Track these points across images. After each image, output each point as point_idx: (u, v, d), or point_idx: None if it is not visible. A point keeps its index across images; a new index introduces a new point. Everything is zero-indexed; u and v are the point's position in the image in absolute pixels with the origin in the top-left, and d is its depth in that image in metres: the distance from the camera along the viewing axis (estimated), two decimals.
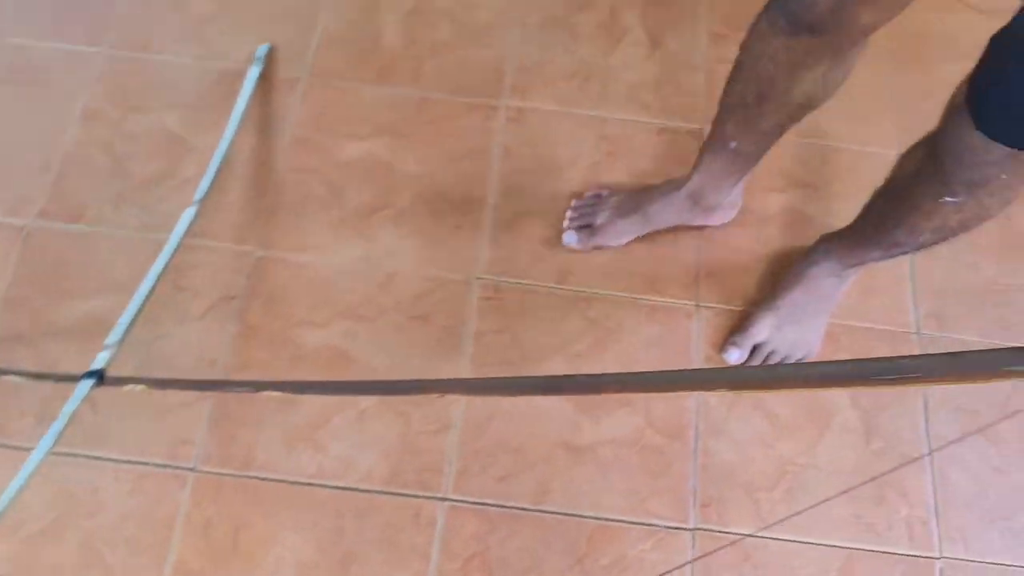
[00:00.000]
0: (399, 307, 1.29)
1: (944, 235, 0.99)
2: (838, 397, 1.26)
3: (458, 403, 1.23)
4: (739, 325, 1.29)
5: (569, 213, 1.36)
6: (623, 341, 1.28)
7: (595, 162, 1.42)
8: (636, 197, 1.34)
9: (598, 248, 1.35)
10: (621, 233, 1.34)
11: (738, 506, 1.19)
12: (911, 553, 1.16)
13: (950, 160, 0.88)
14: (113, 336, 1.10)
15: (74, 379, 1.02)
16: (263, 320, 1.27)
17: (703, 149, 1.22)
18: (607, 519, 1.17)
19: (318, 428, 1.21)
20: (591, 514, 1.17)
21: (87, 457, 1.18)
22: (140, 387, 1.04)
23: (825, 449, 1.22)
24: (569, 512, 1.17)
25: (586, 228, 1.34)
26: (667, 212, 1.32)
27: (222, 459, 1.19)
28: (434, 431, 1.21)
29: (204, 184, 1.31)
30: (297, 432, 1.20)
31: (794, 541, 1.17)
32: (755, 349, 1.27)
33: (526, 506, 1.18)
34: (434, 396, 1.23)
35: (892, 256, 1.10)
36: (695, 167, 1.25)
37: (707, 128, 1.44)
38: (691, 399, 1.25)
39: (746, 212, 1.39)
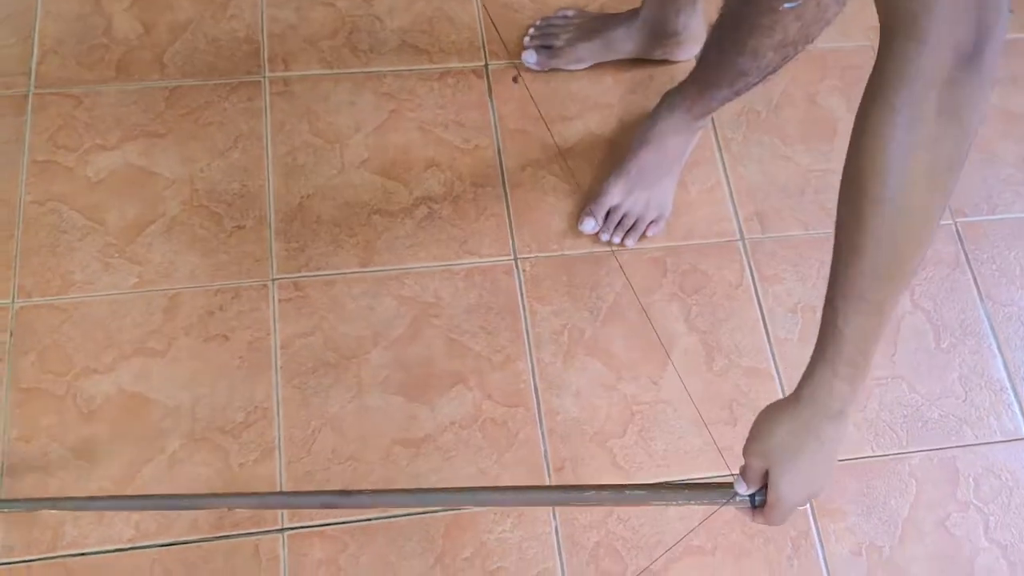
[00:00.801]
0: (191, 331, 1.16)
1: (787, 52, 0.98)
2: (674, 324, 1.21)
3: (275, 422, 1.12)
4: (591, 194, 1.25)
5: (531, 31, 1.35)
6: (443, 314, 1.19)
7: (380, 124, 1.29)
8: (599, 21, 1.34)
9: (555, 71, 1.34)
10: (580, 58, 1.34)
11: (592, 460, 1.13)
12: None
13: None
14: None
15: None
16: (39, 379, 1.12)
17: None
18: (460, 508, 1.10)
19: (126, 485, 1.08)
20: (442, 507, 1.10)
21: None
22: None
23: (669, 381, 1.17)
24: (418, 510, 1.09)
25: (546, 49, 1.33)
26: (627, 40, 1.32)
27: (26, 545, 1.05)
28: (256, 459, 1.10)
29: None
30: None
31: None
32: (609, 214, 1.23)
33: (371, 516, 1.09)
34: (250, 421, 1.12)
35: (739, 92, 1.08)
36: None
37: (491, 63, 1.34)
38: (523, 361, 1.17)
39: (548, 147, 1.30)
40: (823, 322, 0.65)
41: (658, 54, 1.34)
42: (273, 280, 1.19)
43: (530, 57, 1.33)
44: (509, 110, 1.32)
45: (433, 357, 1.17)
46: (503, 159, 1.29)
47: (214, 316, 1.16)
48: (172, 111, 1.28)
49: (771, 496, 0.72)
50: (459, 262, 1.22)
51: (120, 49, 1.31)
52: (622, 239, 1.23)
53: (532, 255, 1.23)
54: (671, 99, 1.21)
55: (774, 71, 1.02)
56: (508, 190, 1.27)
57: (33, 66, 1.29)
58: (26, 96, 1.27)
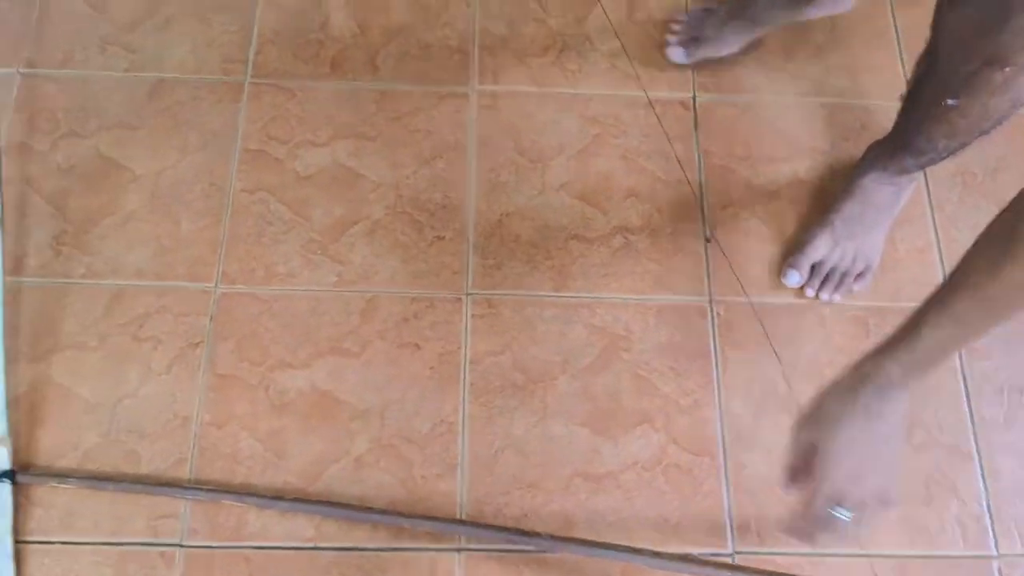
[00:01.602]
0: (386, 335, 1.16)
1: (960, 140, 0.98)
2: None
3: (460, 438, 1.11)
4: (795, 246, 1.22)
5: (673, 27, 1.34)
6: (633, 349, 1.17)
7: (583, 147, 1.28)
8: (740, 1, 1.30)
9: (705, 60, 1.32)
10: (728, 42, 1.31)
11: (779, 523, 1.09)
12: (967, 554, 1.08)
13: (943, 56, 0.90)
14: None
15: None
16: (236, 367, 1.14)
17: None
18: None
19: (311, 482, 1.09)
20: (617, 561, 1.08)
21: (60, 543, 1.05)
22: (64, 485, 1.06)
23: None
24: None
25: (692, 41, 1.32)
26: (773, 8, 1.28)
27: (211, 531, 1.07)
28: (439, 474, 1.10)
29: None
30: (289, 492, 1.09)
31: (843, 555, 1.08)
32: (814, 268, 1.20)
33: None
34: (436, 434, 1.12)
35: (924, 164, 1.09)
36: None
37: (699, 96, 1.32)
38: (712, 408, 1.14)
39: (753, 188, 1.26)
40: (906, 321, 0.70)
41: (813, 12, 1.29)
42: (468, 294, 1.19)
43: (676, 54, 1.32)
44: (715, 146, 1.29)
45: (620, 392, 1.15)
46: (705, 196, 1.26)
47: (408, 323, 1.17)
48: (382, 114, 1.29)
49: (820, 472, 0.74)
50: (653, 297, 1.20)
51: (335, 47, 1.33)
52: (828, 294, 1.19)
53: (728, 299, 1.20)
54: (873, 152, 1.18)
55: (952, 154, 1.02)
56: (708, 228, 1.24)
57: (251, 55, 1.32)
58: (242, 84, 1.30)
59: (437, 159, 1.26)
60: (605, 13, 1.36)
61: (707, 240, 1.23)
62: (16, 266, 1.18)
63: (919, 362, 0.70)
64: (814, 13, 1.29)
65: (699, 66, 1.33)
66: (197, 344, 1.15)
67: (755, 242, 1.24)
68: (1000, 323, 0.68)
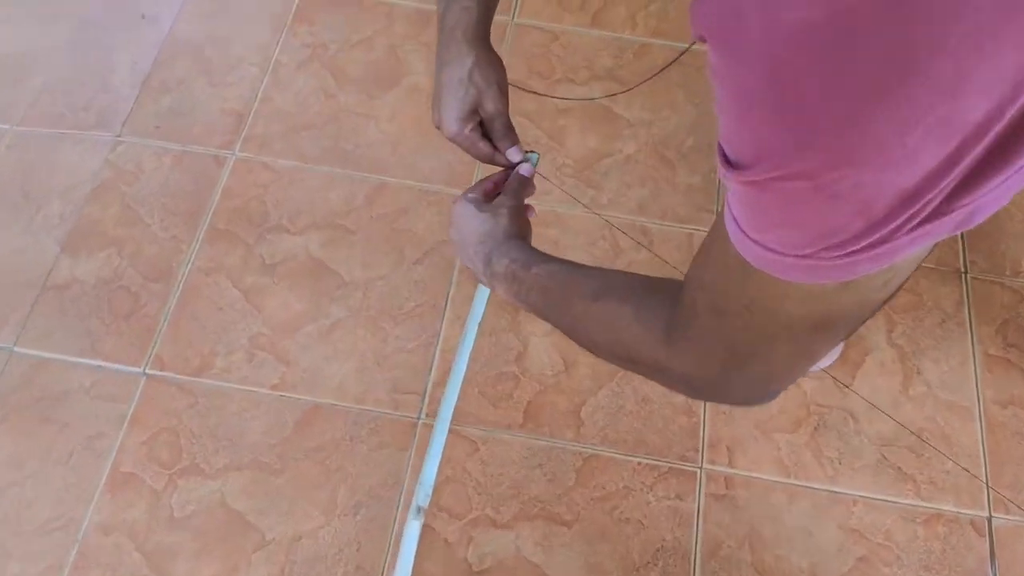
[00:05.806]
0: None
1: None
2: None
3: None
4: None
5: None
6: None
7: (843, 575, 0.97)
8: None
9: None
10: None
11: None
12: None
13: None
14: None
15: None
16: None
17: None
18: None
19: None
20: None
21: None
22: None
23: None
24: None
25: None
26: None
27: None
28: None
29: None
30: None
31: None
32: None
33: None
34: None
35: None
36: None
37: (997, 517, 1.01)
38: None
39: None
40: (542, 256, 0.67)
41: None
42: None
43: None
44: None
45: None
46: None
47: None
48: (582, 490, 1.00)
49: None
50: None
51: (532, 388, 1.06)
52: None
53: None
54: None
55: None
56: None
57: (429, 386, 1.06)
58: (415, 424, 1.03)
59: (650, 567, 0.97)
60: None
61: None
62: None
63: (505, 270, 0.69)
64: None
65: (995, 478, 1.03)
66: None
67: None
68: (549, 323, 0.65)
